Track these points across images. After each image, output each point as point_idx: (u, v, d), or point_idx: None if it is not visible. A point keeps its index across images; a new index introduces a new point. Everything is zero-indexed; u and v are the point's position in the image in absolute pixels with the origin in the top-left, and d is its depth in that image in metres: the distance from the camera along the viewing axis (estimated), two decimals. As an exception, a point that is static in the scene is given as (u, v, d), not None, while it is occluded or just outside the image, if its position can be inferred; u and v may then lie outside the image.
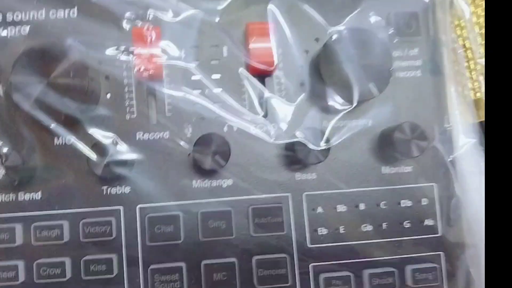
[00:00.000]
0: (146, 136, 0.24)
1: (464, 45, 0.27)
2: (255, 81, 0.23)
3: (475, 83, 0.27)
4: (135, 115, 0.24)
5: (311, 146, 0.22)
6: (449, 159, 0.25)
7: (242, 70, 0.23)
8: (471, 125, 0.25)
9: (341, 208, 0.25)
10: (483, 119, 0.25)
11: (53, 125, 0.22)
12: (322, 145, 0.22)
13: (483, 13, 0.27)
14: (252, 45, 0.23)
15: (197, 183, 0.24)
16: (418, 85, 0.25)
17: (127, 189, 0.24)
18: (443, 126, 0.25)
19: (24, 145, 0.23)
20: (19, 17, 0.24)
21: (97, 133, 0.23)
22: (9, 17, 0.24)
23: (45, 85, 0.22)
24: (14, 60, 0.22)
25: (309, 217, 0.25)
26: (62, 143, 0.23)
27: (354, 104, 0.22)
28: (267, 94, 0.23)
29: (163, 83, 0.24)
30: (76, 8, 0.25)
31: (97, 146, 0.22)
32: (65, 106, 0.22)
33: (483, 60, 0.25)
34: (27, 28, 0.24)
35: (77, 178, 0.23)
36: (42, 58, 0.22)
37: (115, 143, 0.23)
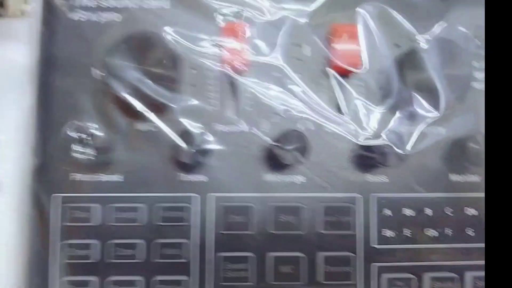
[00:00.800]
0: (226, 128, 0.25)
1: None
2: (341, 80, 0.24)
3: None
4: (217, 107, 0.25)
5: (396, 150, 0.23)
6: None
7: (329, 69, 0.24)
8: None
9: (408, 212, 0.26)
10: None
11: (143, 110, 0.23)
12: (408, 150, 0.23)
13: None
14: (338, 46, 0.24)
15: (272, 177, 0.25)
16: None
17: (204, 178, 0.25)
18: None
19: (113, 128, 0.24)
20: (114, 4, 0.25)
21: (186, 122, 0.24)
22: (104, 3, 0.25)
23: (140, 71, 0.23)
24: (111, 45, 0.23)
25: (377, 219, 0.25)
26: (148, 129, 0.24)
27: (441, 113, 0.23)
28: (353, 94, 0.24)
29: (248, 78, 0.25)
30: (168, 1, 0.26)
31: (186, 134, 0.23)
32: (157, 93, 0.23)
33: None
34: (121, 15, 0.25)
35: (158, 164, 0.24)
36: (139, 45, 0.23)
37: (202, 133, 0.24)
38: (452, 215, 0.26)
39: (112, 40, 0.24)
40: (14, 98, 0.25)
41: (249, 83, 0.24)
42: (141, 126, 0.24)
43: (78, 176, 0.24)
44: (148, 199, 0.24)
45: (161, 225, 0.24)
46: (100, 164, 0.24)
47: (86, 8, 0.25)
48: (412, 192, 0.26)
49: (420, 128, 0.24)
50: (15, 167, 0.25)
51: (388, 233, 0.25)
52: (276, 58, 0.24)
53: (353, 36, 0.24)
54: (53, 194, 0.24)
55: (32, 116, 0.24)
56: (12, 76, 0.25)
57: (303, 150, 0.23)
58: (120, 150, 0.24)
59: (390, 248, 0.25)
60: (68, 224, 0.24)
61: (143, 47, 0.23)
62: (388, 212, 0.25)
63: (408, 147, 0.23)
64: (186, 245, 0.24)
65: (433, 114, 0.23)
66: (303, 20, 0.25)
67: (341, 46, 0.24)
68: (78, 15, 0.25)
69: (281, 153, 0.23)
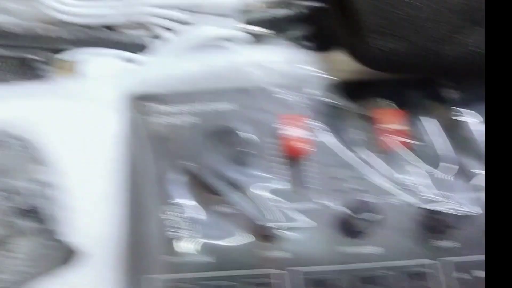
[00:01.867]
0: (302, 205, 0.27)
1: None
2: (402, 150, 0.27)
3: None
4: (290, 185, 0.28)
5: (464, 210, 0.24)
6: None
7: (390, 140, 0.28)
8: None
9: (481, 274, 0.26)
10: None
11: (227, 192, 0.26)
12: (475, 211, 0.25)
13: None
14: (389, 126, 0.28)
15: (349, 247, 0.26)
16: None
17: (286, 253, 0.26)
18: None
19: (203, 210, 0.27)
20: (188, 110, 0.31)
21: (264, 200, 0.27)
22: (180, 110, 0.31)
23: (221, 159, 0.27)
24: (194, 139, 0.28)
25: (452, 283, 0.26)
26: (230, 210, 0.27)
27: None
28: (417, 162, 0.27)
29: (314, 158, 0.28)
30: (232, 102, 0.31)
31: (265, 211, 0.26)
32: (237, 175, 0.27)
33: None
34: (196, 117, 0.30)
35: (244, 243, 0.26)
36: (218, 138, 0.27)
37: (279, 210, 0.26)
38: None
39: (190, 137, 0.28)
40: (103, 166, 0.28)
41: (314, 163, 0.28)
42: (224, 208, 0.27)
43: (170, 258, 0.26)
44: (236, 277, 0.26)
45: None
46: (195, 245, 0.26)
47: (169, 113, 0.30)
48: (481, 254, 0.26)
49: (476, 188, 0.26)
50: (106, 243, 0.27)
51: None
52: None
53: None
54: (145, 276, 0.26)
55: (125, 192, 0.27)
56: (104, 143, 0.28)
57: (375, 219, 0.26)
58: (209, 231, 0.27)
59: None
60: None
61: (222, 139, 0.27)
62: (461, 275, 0.26)
63: (476, 208, 0.25)
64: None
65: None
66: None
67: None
68: (162, 119, 0.30)
69: (354, 222, 0.26)
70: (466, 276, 0.26)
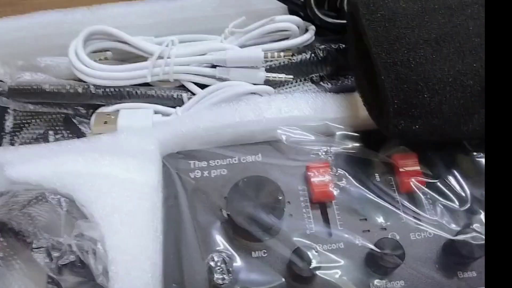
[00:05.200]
0: (332, 246, 0.29)
1: None
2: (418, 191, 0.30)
3: None
4: (313, 230, 0.31)
5: (480, 237, 0.27)
6: None
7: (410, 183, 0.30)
8: None
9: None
10: None
11: (260, 237, 0.29)
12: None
13: None
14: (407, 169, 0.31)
15: (377, 283, 0.29)
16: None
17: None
18: None
19: (242, 256, 0.29)
20: (219, 163, 0.33)
21: (298, 241, 0.29)
22: (212, 163, 0.33)
23: (253, 206, 0.29)
24: (229, 190, 0.30)
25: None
26: (265, 254, 0.29)
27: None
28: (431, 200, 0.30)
29: (335, 203, 0.31)
30: (260, 154, 0.34)
31: (299, 253, 0.28)
32: (269, 219, 0.29)
33: None
34: (226, 170, 0.33)
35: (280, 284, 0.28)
36: (250, 186, 0.30)
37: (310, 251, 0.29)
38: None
39: (220, 187, 0.31)
40: (143, 218, 0.30)
41: (341, 207, 0.30)
42: (260, 252, 0.29)
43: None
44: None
45: None
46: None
47: (202, 168, 0.33)
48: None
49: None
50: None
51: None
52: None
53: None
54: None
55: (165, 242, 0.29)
56: (143, 195, 0.30)
57: (400, 254, 0.28)
58: (247, 275, 0.29)
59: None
60: None
61: (254, 187, 0.30)
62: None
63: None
64: None
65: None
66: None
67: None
68: (195, 173, 0.33)
69: (381, 259, 0.28)
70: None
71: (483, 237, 0.28)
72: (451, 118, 0.27)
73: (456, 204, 0.30)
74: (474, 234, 0.28)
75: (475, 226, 0.29)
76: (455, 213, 0.30)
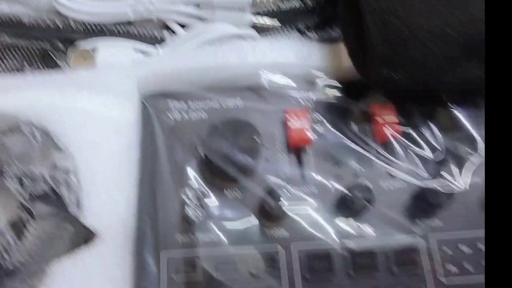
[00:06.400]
0: (305, 188, 0.30)
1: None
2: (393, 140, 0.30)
3: None
4: (288, 173, 0.31)
5: (450, 187, 0.28)
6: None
7: (381, 133, 0.31)
8: None
9: (465, 248, 0.30)
10: None
11: (236, 176, 0.29)
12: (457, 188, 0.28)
13: None
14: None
15: (346, 225, 0.29)
16: None
17: (287, 231, 0.29)
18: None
19: (215, 194, 0.29)
20: (199, 105, 0.33)
21: (270, 181, 0.29)
22: (192, 105, 0.33)
23: (230, 146, 0.29)
24: (208, 130, 0.30)
25: (440, 257, 0.29)
26: (239, 193, 0.30)
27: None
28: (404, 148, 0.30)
29: (312, 148, 0.31)
30: (241, 99, 0.33)
31: (271, 192, 0.29)
32: (246, 160, 0.29)
33: None
34: (207, 112, 0.33)
35: (250, 222, 0.29)
36: (230, 129, 0.30)
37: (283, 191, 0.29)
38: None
39: (199, 131, 0.31)
40: (118, 152, 0.30)
41: (317, 152, 0.31)
42: (234, 192, 0.30)
43: (184, 236, 0.29)
44: (246, 253, 0.28)
45: (252, 274, 0.28)
46: (204, 223, 0.29)
47: (182, 109, 0.33)
48: (465, 231, 0.30)
49: (464, 170, 0.29)
50: (122, 224, 0.29)
51: (452, 268, 0.29)
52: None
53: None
54: (162, 251, 0.28)
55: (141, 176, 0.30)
56: (118, 131, 0.31)
57: (369, 198, 0.29)
58: (221, 212, 0.29)
59: (457, 282, 0.29)
60: (175, 276, 0.28)
61: (232, 129, 0.30)
62: (448, 250, 0.29)
63: (461, 185, 0.28)
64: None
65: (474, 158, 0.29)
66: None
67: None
68: (175, 115, 0.32)
69: (351, 202, 0.29)
70: (453, 250, 0.29)
71: (452, 186, 0.28)
72: (434, 69, 0.27)
73: (429, 154, 0.30)
74: (443, 183, 0.28)
75: (446, 175, 0.29)
76: (427, 162, 0.30)
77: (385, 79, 0.28)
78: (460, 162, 0.30)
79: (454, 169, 0.30)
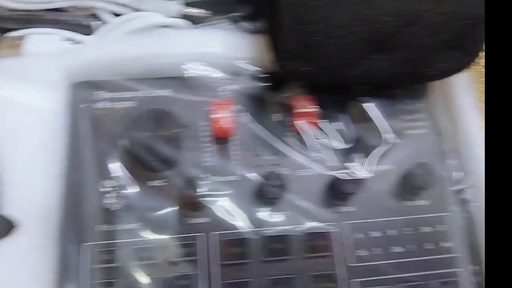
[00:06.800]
0: (225, 178, 0.31)
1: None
2: (309, 131, 0.32)
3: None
4: (210, 163, 0.32)
5: (354, 175, 0.29)
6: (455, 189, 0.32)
7: (297, 124, 0.32)
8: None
9: (374, 233, 0.32)
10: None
11: (157, 167, 0.30)
12: (362, 176, 0.30)
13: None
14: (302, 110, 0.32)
15: (263, 213, 0.31)
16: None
17: (206, 219, 0.31)
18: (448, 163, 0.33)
19: (136, 184, 0.30)
20: (128, 95, 0.34)
21: (194, 172, 0.30)
22: (119, 95, 0.34)
23: (153, 137, 0.30)
24: (131, 121, 0.31)
25: (350, 241, 0.31)
26: (161, 183, 0.31)
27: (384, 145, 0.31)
28: (317, 139, 0.32)
29: (234, 138, 0.32)
30: (168, 89, 0.34)
31: (191, 183, 0.30)
32: (166, 151, 0.30)
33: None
34: (133, 102, 0.33)
35: (170, 211, 0.30)
36: (152, 119, 0.31)
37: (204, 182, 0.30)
38: (410, 233, 0.32)
39: (126, 119, 0.31)
40: (42, 142, 0.30)
41: (238, 142, 0.32)
42: (156, 181, 0.31)
43: (104, 227, 0.30)
44: (162, 241, 0.30)
45: (171, 261, 0.29)
46: (123, 213, 0.30)
47: (108, 99, 0.33)
48: (375, 217, 0.32)
49: (371, 158, 0.31)
50: (44, 214, 0.29)
51: (362, 252, 0.31)
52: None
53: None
54: (84, 241, 0.29)
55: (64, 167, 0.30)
56: (43, 121, 0.31)
57: (283, 187, 0.30)
58: (139, 201, 0.30)
59: (365, 265, 0.31)
60: (96, 266, 0.29)
61: (157, 121, 0.30)
62: (359, 235, 0.31)
63: (366, 174, 0.30)
64: (195, 276, 0.29)
65: (378, 148, 0.31)
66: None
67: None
68: (100, 104, 0.33)
69: (267, 190, 0.30)
70: (358, 235, 0.31)
71: (361, 174, 0.30)
72: (340, 62, 0.28)
73: (339, 144, 0.32)
74: (351, 171, 0.30)
75: (353, 164, 0.31)
76: (337, 152, 0.32)
77: (296, 71, 0.29)
78: (368, 152, 0.31)
79: (362, 158, 0.31)
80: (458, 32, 0.29)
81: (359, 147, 0.32)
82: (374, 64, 0.29)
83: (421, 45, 0.28)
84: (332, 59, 0.28)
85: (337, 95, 0.32)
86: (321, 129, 0.32)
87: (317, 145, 0.32)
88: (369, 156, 0.31)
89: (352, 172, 0.30)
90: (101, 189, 0.29)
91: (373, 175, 0.31)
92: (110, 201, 0.29)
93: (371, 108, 0.31)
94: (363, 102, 0.31)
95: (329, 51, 0.28)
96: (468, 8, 0.28)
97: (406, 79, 0.30)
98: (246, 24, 0.37)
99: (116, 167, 0.31)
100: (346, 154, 0.32)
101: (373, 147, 0.31)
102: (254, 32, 0.36)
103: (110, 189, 0.30)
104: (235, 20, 0.37)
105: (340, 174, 0.30)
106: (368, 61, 0.29)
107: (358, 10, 0.27)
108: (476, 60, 0.31)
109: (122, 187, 0.30)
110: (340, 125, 0.32)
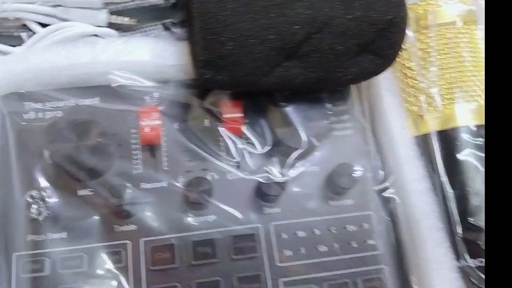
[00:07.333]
0: (152, 185, 0.32)
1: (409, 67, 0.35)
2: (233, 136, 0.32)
3: (415, 99, 0.35)
4: (140, 171, 0.32)
5: (275, 178, 0.30)
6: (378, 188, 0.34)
7: (222, 130, 0.33)
8: (413, 138, 0.34)
9: (300, 233, 0.32)
10: (424, 132, 0.34)
11: (83, 177, 0.30)
12: (283, 178, 0.31)
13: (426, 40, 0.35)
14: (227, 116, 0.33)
15: (190, 219, 0.31)
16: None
17: (134, 226, 0.31)
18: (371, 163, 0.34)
19: (61, 193, 0.31)
20: (56, 105, 0.34)
21: (117, 182, 0.31)
22: (47, 105, 0.34)
23: (79, 148, 0.30)
24: (55, 132, 0.31)
25: (276, 242, 0.32)
26: (87, 193, 0.31)
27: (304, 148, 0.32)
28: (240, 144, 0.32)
29: (162, 146, 0.33)
30: (96, 98, 0.34)
31: (115, 190, 0.30)
32: (90, 161, 0.30)
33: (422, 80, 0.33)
34: (61, 112, 0.33)
35: (97, 220, 0.31)
36: (78, 129, 0.31)
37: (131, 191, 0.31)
38: (336, 232, 0.33)
39: (58, 128, 0.31)
40: None
41: (166, 150, 0.32)
42: (82, 191, 0.31)
43: (33, 236, 0.30)
44: (90, 250, 0.30)
45: (98, 269, 0.30)
46: (50, 223, 0.30)
47: (36, 109, 0.33)
48: (301, 218, 0.33)
49: (290, 161, 0.32)
50: None
51: (288, 252, 0.32)
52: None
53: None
54: (13, 252, 0.30)
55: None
56: None
57: (208, 191, 0.31)
58: (66, 211, 0.30)
59: (291, 264, 0.32)
60: (26, 276, 0.29)
61: (81, 130, 0.31)
62: (285, 235, 0.32)
63: (287, 177, 0.31)
64: (123, 282, 0.30)
65: (298, 151, 0.32)
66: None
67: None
68: (28, 115, 0.33)
69: (191, 195, 0.30)
70: (284, 236, 0.32)
71: (280, 177, 0.31)
72: (253, 70, 0.29)
73: (258, 149, 0.33)
74: (273, 174, 0.31)
75: (272, 168, 0.32)
76: (261, 156, 0.33)
77: (211, 80, 0.30)
78: (288, 155, 0.32)
79: (281, 162, 0.32)
80: (370, 37, 0.30)
81: (280, 150, 0.32)
82: (287, 71, 0.30)
83: (333, 51, 0.29)
84: (244, 68, 0.29)
85: (259, 101, 0.33)
86: (245, 134, 0.33)
87: (240, 150, 0.33)
88: (288, 159, 0.32)
89: (274, 175, 0.31)
90: (29, 198, 0.29)
91: (293, 176, 0.32)
92: (35, 211, 0.30)
93: (291, 112, 0.32)
94: (284, 107, 0.32)
95: (241, 60, 0.29)
96: (378, 14, 0.29)
97: (320, 84, 0.31)
98: (176, 32, 0.37)
99: (40, 178, 0.31)
100: (268, 158, 0.33)
101: (294, 150, 0.32)
102: (183, 39, 0.37)
103: (36, 199, 0.30)
104: (165, 28, 0.38)
105: (262, 177, 0.31)
106: (281, 68, 0.30)
107: (267, 19, 0.28)
108: (392, 63, 0.32)
109: (48, 197, 0.30)
110: (262, 129, 0.33)
